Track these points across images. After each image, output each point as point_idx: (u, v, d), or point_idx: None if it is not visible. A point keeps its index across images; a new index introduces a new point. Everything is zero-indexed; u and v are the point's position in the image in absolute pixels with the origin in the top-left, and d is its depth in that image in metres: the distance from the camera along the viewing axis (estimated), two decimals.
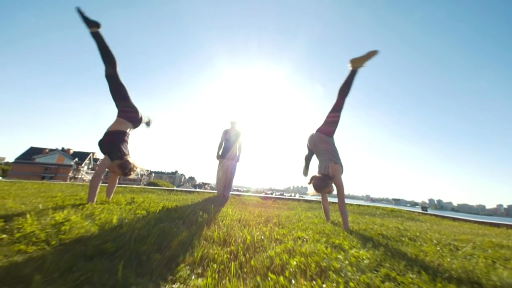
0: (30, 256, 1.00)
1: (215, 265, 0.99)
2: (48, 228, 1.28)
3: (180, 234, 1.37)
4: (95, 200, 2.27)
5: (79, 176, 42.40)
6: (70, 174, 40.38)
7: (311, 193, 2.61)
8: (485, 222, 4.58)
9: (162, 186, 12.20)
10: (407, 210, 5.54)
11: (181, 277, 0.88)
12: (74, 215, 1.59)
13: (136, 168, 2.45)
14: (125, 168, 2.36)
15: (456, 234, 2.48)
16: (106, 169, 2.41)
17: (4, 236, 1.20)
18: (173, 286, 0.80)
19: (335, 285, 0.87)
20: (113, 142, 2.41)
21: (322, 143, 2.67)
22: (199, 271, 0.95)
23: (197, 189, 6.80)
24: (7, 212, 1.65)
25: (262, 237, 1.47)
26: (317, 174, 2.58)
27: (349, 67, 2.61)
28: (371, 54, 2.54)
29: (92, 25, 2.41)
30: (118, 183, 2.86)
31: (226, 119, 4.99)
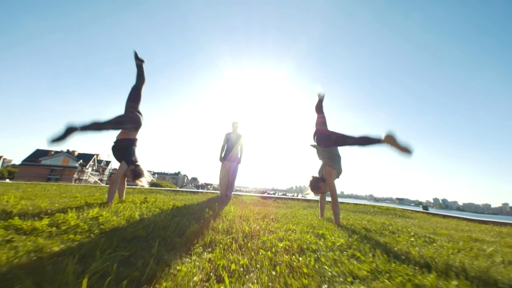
0: (81, 242, 1.31)
1: (221, 245, 1.34)
2: (89, 220, 1.62)
3: (192, 226, 1.71)
4: (112, 201, 2.61)
5: (84, 178, 43.06)
6: (75, 176, 41.03)
7: (309, 193, 2.84)
8: (473, 219, 4.74)
9: (165, 187, 12.54)
10: (401, 209, 5.71)
11: (197, 253, 1.22)
12: (104, 211, 1.93)
13: (145, 176, 2.76)
14: (137, 174, 2.69)
15: (436, 229, 2.68)
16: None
17: (53, 229, 1.51)
18: (192, 257, 1.14)
19: (309, 258, 1.20)
20: (127, 148, 2.74)
21: (322, 151, 2.91)
22: (209, 249, 1.30)
23: (201, 190, 7.14)
24: (44, 210, 1.96)
25: (258, 229, 1.81)
26: (313, 176, 2.86)
27: (382, 136, 2.32)
28: (406, 151, 2.22)
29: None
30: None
31: (229, 120, 5.28)
